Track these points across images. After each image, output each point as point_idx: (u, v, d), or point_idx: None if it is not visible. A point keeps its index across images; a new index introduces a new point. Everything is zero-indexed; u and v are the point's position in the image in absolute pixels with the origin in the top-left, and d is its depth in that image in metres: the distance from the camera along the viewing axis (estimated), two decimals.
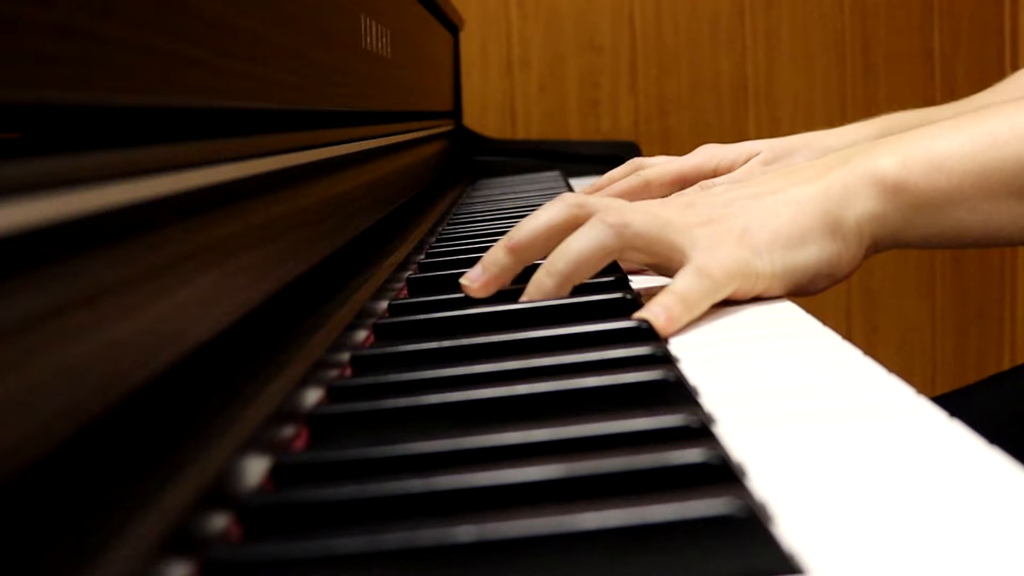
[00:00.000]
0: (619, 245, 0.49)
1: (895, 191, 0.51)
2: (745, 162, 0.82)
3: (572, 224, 0.50)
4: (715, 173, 0.79)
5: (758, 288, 0.50)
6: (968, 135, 0.51)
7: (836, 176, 0.51)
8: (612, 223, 0.49)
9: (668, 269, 0.50)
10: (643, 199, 0.80)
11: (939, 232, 0.52)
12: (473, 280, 0.51)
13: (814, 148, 0.82)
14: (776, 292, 0.50)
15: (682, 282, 0.47)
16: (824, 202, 0.50)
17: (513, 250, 0.51)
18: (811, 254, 0.50)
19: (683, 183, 0.79)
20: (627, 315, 0.46)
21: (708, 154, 0.82)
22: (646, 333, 0.44)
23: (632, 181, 0.80)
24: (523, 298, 0.49)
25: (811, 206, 0.50)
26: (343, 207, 0.59)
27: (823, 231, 0.50)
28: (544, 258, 0.51)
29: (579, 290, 0.50)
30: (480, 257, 0.52)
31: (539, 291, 0.49)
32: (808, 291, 0.51)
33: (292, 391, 0.35)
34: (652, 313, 0.45)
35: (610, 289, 0.51)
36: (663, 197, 0.80)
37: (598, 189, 0.82)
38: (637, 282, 0.56)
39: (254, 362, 0.37)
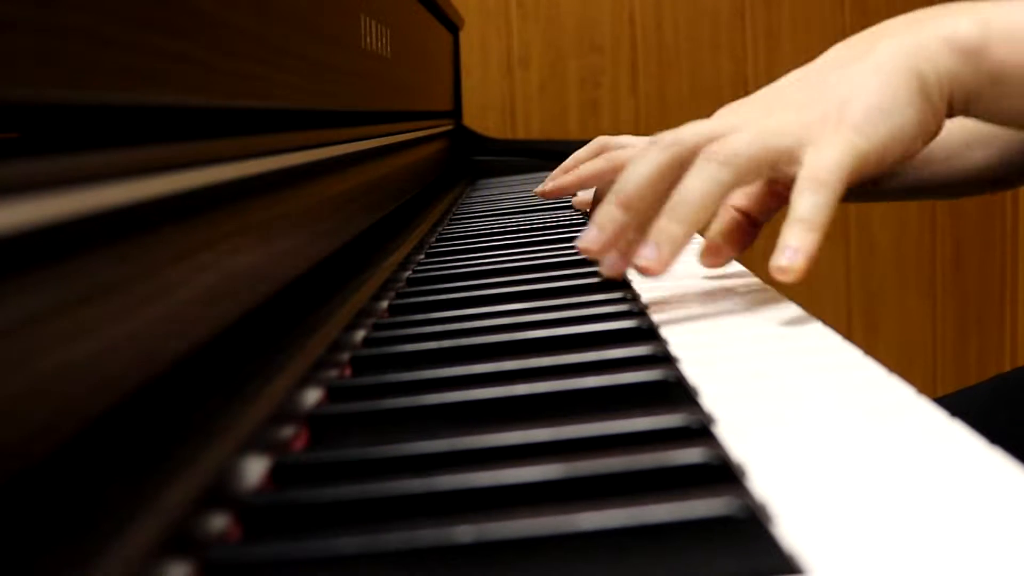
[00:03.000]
0: (735, 178, 0.48)
1: (972, 54, 0.50)
2: None
3: (675, 163, 0.49)
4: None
5: (869, 167, 0.49)
6: None
7: (911, 36, 0.51)
8: (722, 158, 0.48)
9: (783, 174, 0.49)
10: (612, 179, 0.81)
11: (1006, 109, 0.51)
12: (592, 242, 0.50)
13: None
14: (885, 166, 0.49)
15: (802, 205, 0.46)
16: (906, 60, 0.50)
17: (625, 205, 0.49)
18: (908, 117, 0.49)
19: None
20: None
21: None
22: (645, 333, 0.44)
23: (600, 164, 0.79)
24: (648, 250, 0.47)
25: (896, 67, 0.49)
26: (343, 207, 0.59)
27: (913, 90, 0.49)
28: (655, 207, 0.49)
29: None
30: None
31: (669, 241, 0.47)
32: (909, 155, 0.50)
33: (292, 391, 0.35)
34: (787, 257, 0.45)
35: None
36: None
37: (566, 172, 0.81)
38: (641, 286, 0.56)
39: (254, 362, 0.37)
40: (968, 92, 0.50)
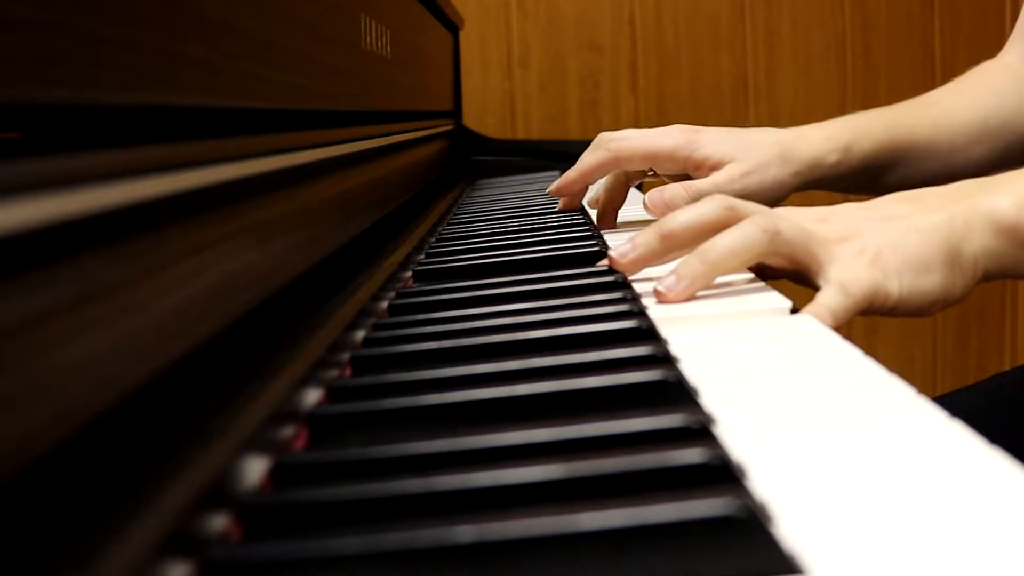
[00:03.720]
0: (768, 249, 0.52)
1: (1011, 232, 0.54)
2: (715, 167, 0.80)
3: (723, 224, 0.53)
4: (686, 163, 0.78)
5: (886, 307, 0.52)
6: None
7: (958, 210, 0.54)
8: (764, 227, 0.52)
9: (804, 277, 0.54)
10: (613, 171, 0.82)
11: None
12: (623, 256, 0.55)
13: (791, 147, 0.82)
14: (901, 313, 0.53)
15: (827, 297, 0.50)
16: (947, 234, 0.53)
17: (665, 237, 0.54)
18: (934, 281, 0.52)
19: (655, 163, 0.79)
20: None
21: (681, 140, 0.80)
22: (646, 333, 0.44)
23: (600, 156, 0.80)
24: (670, 281, 0.51)
25: (936, 236, 0.53)
26: (343, 207, 0.59)
27: (944, 261, 0.53)
28: (689, 248, 0.53)
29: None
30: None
31: (690, 275, 0.51)
32: (923, 314, 0.54)
33: (292, 391, 0.35)
34: (815, 312, 0.49)
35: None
36: (636, 172, 0.82)
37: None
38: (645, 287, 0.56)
39: (254, 362, 0.37)
40: (1006, 264, 0.54)
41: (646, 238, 0.55)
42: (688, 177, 0.84)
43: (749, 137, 0.81)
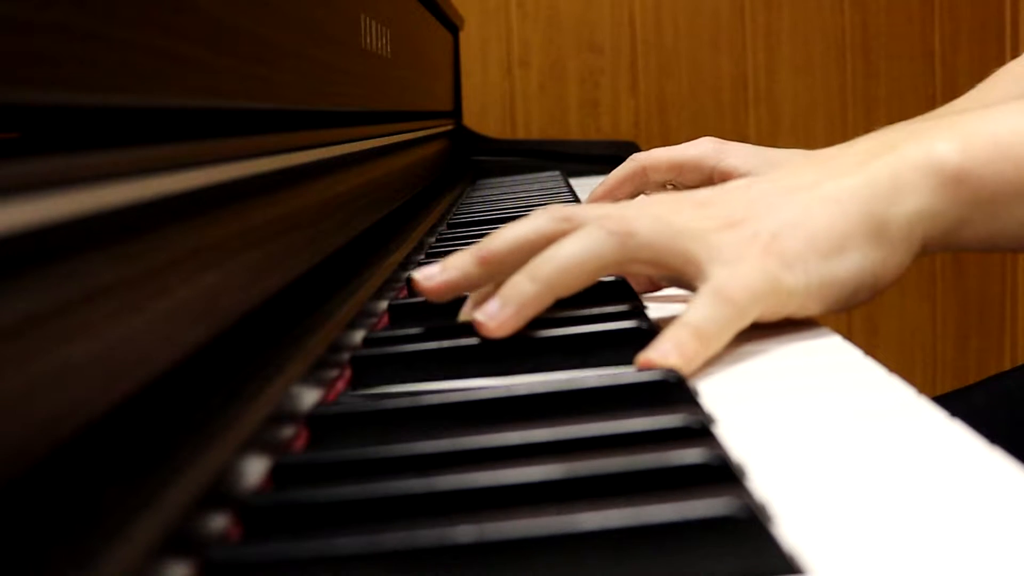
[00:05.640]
0: (621, 257, 0.42)
1: (955, 183, 0.43)
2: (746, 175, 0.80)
3: (556, 237, 0.43)
4: (712, 173, 0.77)
5: (790, 308, 0.42)
6: None
7: (882, 166, 0.43)
8: (613, 230, 0.42)
9: (682, 284, 0.44)
10: (640, 185, 0.76)
11: (1000, 231, 0.44)
12: (428, 278, 0.44)
13: None
14: (811, 311, 0.43)
15: (697, 311, 0.40)
16: (869, 199, 0.43)
17: (483, 261, 0.43)
18: (852, 263, 0.42)
19: (680, 172, 0.75)
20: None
21: (709, 148, 0.79)
22: (646, 334, 0.44)
23: (627, 167, 0.78)
24: (492, 307, 0.41)
25: (853, 205, 0.42)
26: (343, 207, 0.59)
27: (866, 235, 0.42)
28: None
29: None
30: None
31: (517, 299, 0.41)
32: (847, 306, 0.44)
33: (292, 391, 0.35)
34: (660, 352, 0.38)
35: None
36: (661, 183, 0.76)
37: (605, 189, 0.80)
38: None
39: (254, 362, 0.37)
40: (949, 225, 0.44)
41: (460, 260, 0.44)
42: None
43: (777, 156, 0.79)
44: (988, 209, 0.44)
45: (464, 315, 0.46)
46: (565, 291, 0.42)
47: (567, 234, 0.42)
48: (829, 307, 0.43)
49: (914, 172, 0.43)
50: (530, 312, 0.41)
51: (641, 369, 0.38)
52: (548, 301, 0.42)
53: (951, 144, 0.43)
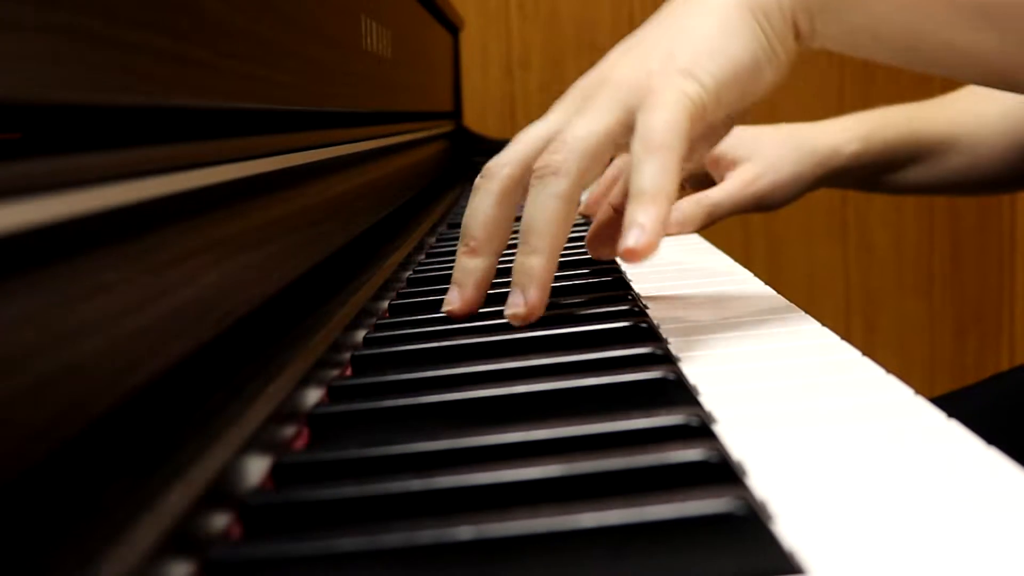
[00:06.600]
0: (575, 183, 0.44)
1: None
2: (730, 166, 0.80)
3: (510, 189, 0.46)
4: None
5: (706, 111, 0.45)
6: None
7: None
8: (553, 170, 0.44)
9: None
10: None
11: (856, 26, 0.47)
12: (454, 304, 0.47)
13: (807, 138, 0.82)
14: (728, 108, 0.46)
15: (640, 176, 0.42)
16: None
17: (475, 250, 0.47)
18: (743, 48, 0.45)
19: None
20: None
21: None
22: (646, 333, 0.44)
23: (619, 164, 0.78)
24: (515, 297, 0.44)
25: (724, 5, 0.46)
26: (343, 207, 0.59)
27: (745, 21, 0.46)
28: (507, 233, 0.48)
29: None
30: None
31: (532, 279, 0.44)
32: (758, 92, 0.47)
33: (293, 391, 0.35)
34: (635, 239, 0.41)
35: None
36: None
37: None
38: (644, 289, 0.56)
39: (255, 362, 0.37)
40: (811, 7, 0.47)
41: (462, 269, 0.47)
42: (706, 175, 0.83)
43: (763, 135, 0.81)
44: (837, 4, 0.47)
45: (448, 305, 0.48)
46: (560, 243, 0.45)
47: (514, 182, 0.46)
48: (742, 99, 0.47)
49: None
50: (546, 283, 0.44)
51: (624, 255, 0.41)
52: (554, 262, 0.45)
53: None
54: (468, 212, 0.47)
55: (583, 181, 0.45)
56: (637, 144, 0.43)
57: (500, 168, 0.47)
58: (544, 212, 0.44)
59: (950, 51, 0.47)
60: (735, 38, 0.45)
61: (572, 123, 0.45)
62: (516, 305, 0.44)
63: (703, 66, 0.44)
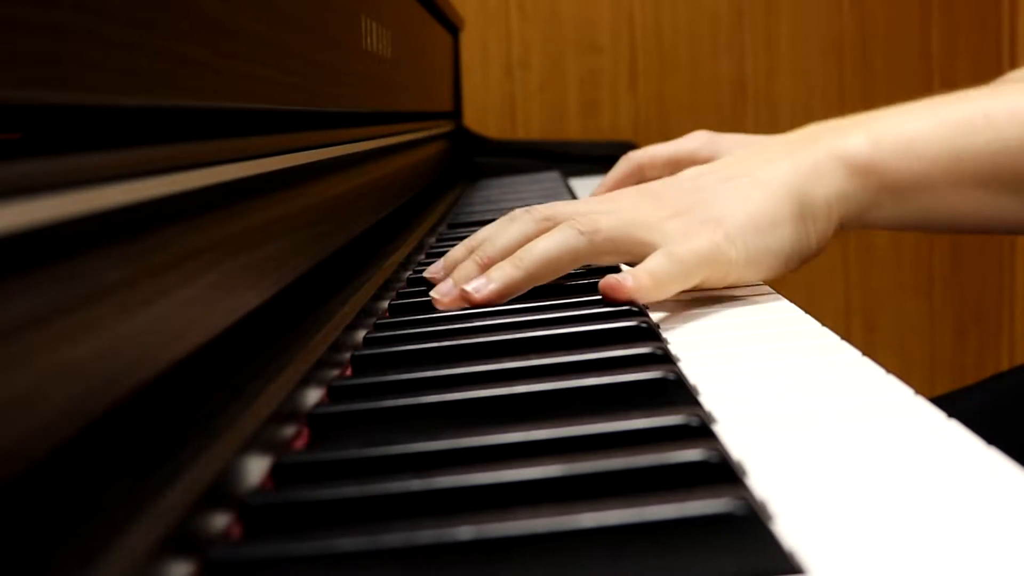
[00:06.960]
0: (589, 251, 0.50)
1: (865, 172, 0.50)
2: None
3: (542, 234, 0.51)
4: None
5: (731, 276, 0.50)
6: (941, 119, 0.51)
7: (806, 154, 0.51)
8: (582, 229, 0.50)
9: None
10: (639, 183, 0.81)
11: (904, 215, 0.52)
12: (444, 295, 0.51)
13: None
14: (750, 279, 0.51)
15: (652, 262, 0.48)
16: (793, 183, 0.50)
17: (485, 265, 0.51)
18: (783, 237, 0.50)
19: (676, 167, 0.77)
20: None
21: (703, 141, 0.81)
22: (646, 332, 0.44)
23: (623, 167, 0.80)
24: (479, 282, 0.50)
25: (781, 188, 0.50)
26: (343, 208, 0.59)
27: (793, 213, 0.50)
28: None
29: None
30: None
31: (502, 279, 0.49)
32: (781, 273, 0.51)
33: (293, 391, 0.35)
34: (619, 279, 0.47)
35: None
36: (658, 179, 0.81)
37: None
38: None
39: (255, 362, 0.37)
40: (860, 207, 0.51)
41: (465, 270, 0.52)
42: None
43: (767, 142, 0.80)
44: (894, 195, 0.51)
45: (438, 292, 0.52)
46: (542, 279, 0.50)
47: (546, 231, 0.51)
48: (765, 275, 0.51)
49: (831, 161, 0.51)
50: (509, 292, 0.50)
51: (602, 291, 0.47)
52: (526, 286, 0.50)
53: (863, 138, 0.51)
54: (498, 229, 0.53)
55: (595, 256, 0.51)
56: (665, 250, 0.49)
57: (545, 218, 0.52)
58: (549, 248, 0.50)
59: (989, 221, 0.52)
60: (780, 227, 0.50)
61: (628, 211, 0.51)
62: (475, 287, 0.50)
63: (745, 240, 0.50)
